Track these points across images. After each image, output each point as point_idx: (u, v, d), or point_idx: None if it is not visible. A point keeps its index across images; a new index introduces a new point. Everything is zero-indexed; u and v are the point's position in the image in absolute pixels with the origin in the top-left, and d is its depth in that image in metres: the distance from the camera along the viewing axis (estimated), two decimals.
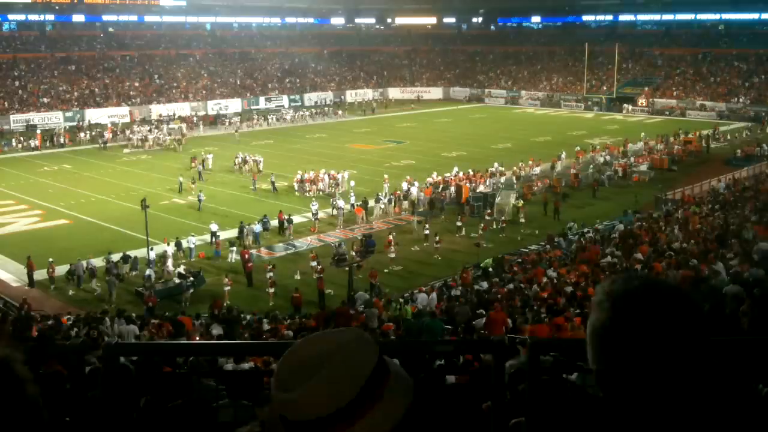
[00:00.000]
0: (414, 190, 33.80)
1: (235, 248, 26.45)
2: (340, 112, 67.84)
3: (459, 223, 29.38)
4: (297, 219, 29.82)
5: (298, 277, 23.87)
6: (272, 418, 1.26)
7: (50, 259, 23.75)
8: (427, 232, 28.10)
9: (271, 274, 22.97)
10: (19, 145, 49.76)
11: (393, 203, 32.84)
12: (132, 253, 25.16)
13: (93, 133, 53.65)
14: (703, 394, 1.12)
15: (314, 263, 23.74)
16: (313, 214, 29.88)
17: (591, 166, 39.90)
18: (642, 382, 1.12)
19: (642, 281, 1.18)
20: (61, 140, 51.54)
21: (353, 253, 24.74)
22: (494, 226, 29.84)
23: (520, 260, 24.29)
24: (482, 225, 28.74)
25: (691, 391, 1.12)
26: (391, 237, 26.37)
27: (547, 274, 19.86)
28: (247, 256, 24.50)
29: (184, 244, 26.45)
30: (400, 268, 25.23)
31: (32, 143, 49.88)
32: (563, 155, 41.43)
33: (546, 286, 18.19)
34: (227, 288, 22.61)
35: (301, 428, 1.21)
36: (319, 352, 1.23)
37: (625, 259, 20.28)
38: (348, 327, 1.33)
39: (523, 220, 30.40)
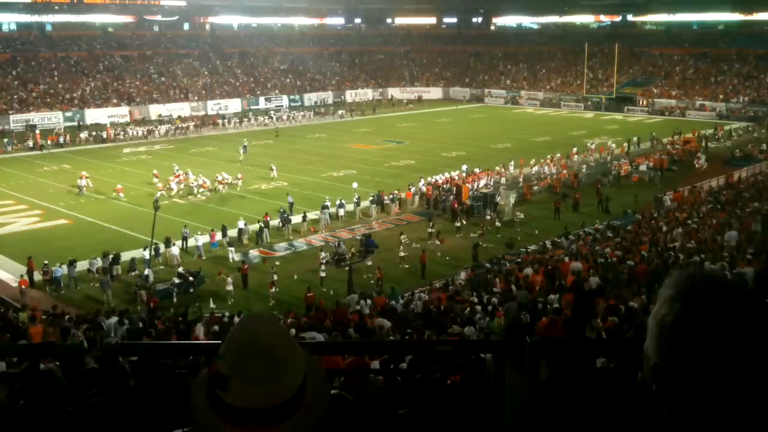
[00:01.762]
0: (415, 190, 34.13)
1: (233, 248, 26.45)
2: (341, 111, 67.75)
3: (458, 224, 29.45)
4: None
5: (296, 277, 23.90)
6: (200, 396, 1.27)
7: (45, 261, 23.74)
8: (431, 230, 28.17)
9: (275, 275, 22.99)
10: (20, 145, 49.87)
11: (394, 203, 32.91)
12: (129, 254, 25.18)
13: (94, 134, 53.76)
14: (763, 396, 1.10)
15: (322, 261, 23.84)
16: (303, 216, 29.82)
17: (584, 167, 39.91)
18: (706, 380, 1.11)
19: (718, 283, 1.17)
20: (61, 140, 51.52)
21: (353, 251, 24.81)
22: (493, 226, 29.88)
23: (519, 260, 24.29)
24: (480, 228, 28.86)
25: (753, 392, 1.10)
26: (402, 237, 26.48)
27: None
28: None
29: (192, 242, 26.49)
30: (407, 266, 25.22)
31: (30, 143, 49.97)
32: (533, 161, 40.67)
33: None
34: (229, 288, 22.60)
35: (239, 415, 1.21)
36: (269, 338, 1.25)
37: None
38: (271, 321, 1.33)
39: (519, 218, 30.47)
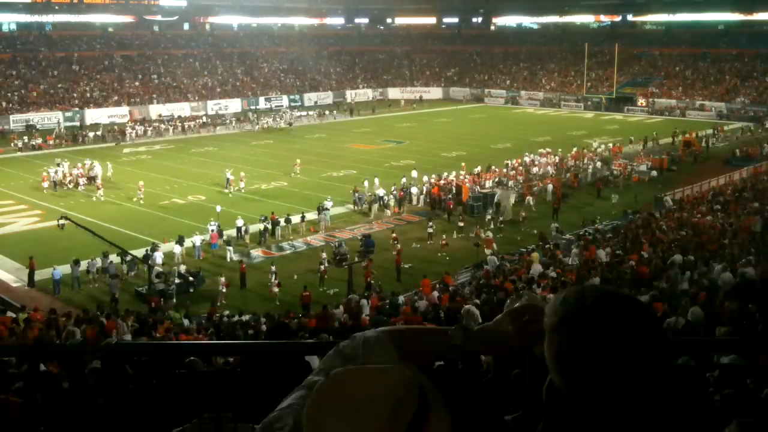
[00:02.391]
0: (414, 190, 34.02)
1: (231, 247, 26.44)
2: (334, 112, 67.80)
3: (461, 224, 29.44)
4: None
5: (296, 277, 23.89)
6: None
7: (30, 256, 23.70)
8: (431, 230, 28.20)
9: (274, 276, 23.00)
10: (20, 143, 49.97)
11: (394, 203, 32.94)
12: (132, 253, 25.14)
13: (97, 133, 53.91)
14: (665, 405, 1.10)
15: (322, 260, 23.88)
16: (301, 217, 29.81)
17: (590, 167, 39.93)
18: (608, 401, 1.09)
19: (594, 297, 1.14)
20: (51, 142, 51.52)
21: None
22: (492, 226, 29.89)
23: (517, 260, 24.32)
24: (476, 228, 28.99)
25: (655, 404, 1.09)
26: (394, 234, 26.70)
27: (547, 274, 19.92)
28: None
29: (197, 242, 26.60)
30: (409, 266, 25.24)
31: (34, 142, 50.05)
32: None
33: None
34: (223, 289, 22.59)
35: None
36: (360, 399, 1.10)
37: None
38: (388, 365, 1.18)
39: (522, 218, 30.49)
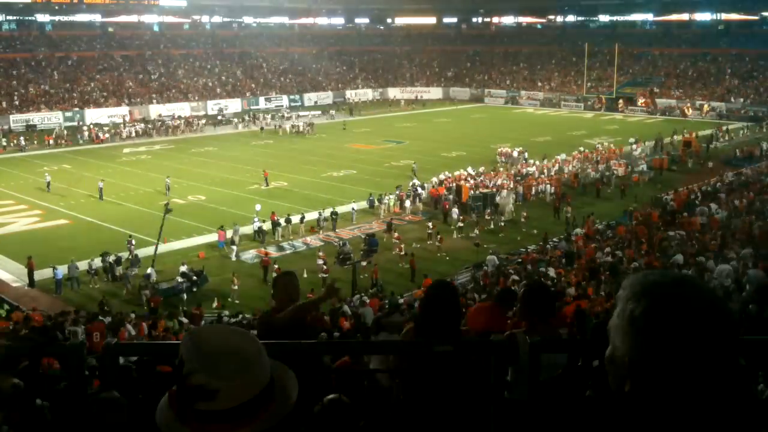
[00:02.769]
0: (422, 191, 34.20)
1: (235, 247, 26.45)
2: (332, 111, 67.89)
3: (461, 224, 29.45)
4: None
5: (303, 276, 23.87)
6: (169, 417, 1.29)
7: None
8: (430, 231, 28.22)
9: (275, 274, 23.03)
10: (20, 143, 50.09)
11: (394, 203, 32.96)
12: (125, 254, 25.18)
13: (96, 133, 54.01)
14: (725, 392, 1.14)
15: (321, 261, 23.86)
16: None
17: (589, 167, 39.97)
18: (674, 374, 1.14)
19: (680, 276, 1.21)
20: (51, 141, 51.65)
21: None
22: (492, 226, 29.92)
23: (519, 260, 24.29)
24: (478, 226, 28.97)
25: (717, 387, 1.14)
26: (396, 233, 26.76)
27: (547, 273, 19.91)
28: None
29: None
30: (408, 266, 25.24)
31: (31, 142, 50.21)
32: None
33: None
34: (235, 287, 22.62)
35: (202, 416, 1.24)
36: (241, 342, 1.29)
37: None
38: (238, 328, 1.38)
39: (523, 220, 30.47)
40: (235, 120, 61.73)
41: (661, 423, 1.16)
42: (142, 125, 56.45)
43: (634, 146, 44.66)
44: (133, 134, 54.44)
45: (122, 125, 56.95)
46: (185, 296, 22.50)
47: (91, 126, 56.48)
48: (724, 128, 53.59)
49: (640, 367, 1.17)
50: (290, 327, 4.42)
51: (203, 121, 60.44)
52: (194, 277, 23.27)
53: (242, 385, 1.25)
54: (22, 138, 50.69)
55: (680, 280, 1.20)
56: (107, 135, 54.01)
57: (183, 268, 23.68)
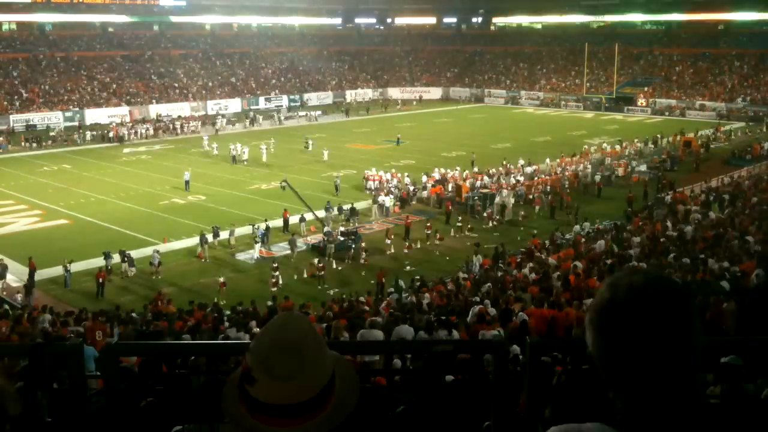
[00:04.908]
0: (426, 193, 34.19)
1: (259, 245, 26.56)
2: (319, 112, 67.97)
3: (459, 224, 29.48)
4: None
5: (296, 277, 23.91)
6: (232, 388, 1.31)
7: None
8: (428, 232, 28.23)
9: (277, 273, 23.02)
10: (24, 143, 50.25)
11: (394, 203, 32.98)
12: (131, 253, 25.16)
13: (95, 133, 54.02)
14: (689, 386, 1.17)
15: (316, 260, 23.96)
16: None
17: (589, 166, 40.04)
18: (635, 367, 1.17)
19: (645, 274, 1.23)
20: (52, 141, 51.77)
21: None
22: (489, 225, 29.95)
23: (519, 259, 24.29)
24: (469, 225, 29.35)
25: (680, 381, 1.17)
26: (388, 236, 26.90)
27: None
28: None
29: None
30: (408, 265, 25.23)
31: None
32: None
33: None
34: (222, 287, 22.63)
35: (265, 409, 1.26)
36: (296, 337, 1.29)
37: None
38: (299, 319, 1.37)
39: (521, 218, 30.56)
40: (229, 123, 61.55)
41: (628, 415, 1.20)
42: (147, 126, 56.51)
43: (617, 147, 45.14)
44: (139, 135, 54.61)
45: (127, 126, 57.02)
46: (352, 250, 26.09)
47: (114, 124, 56.97)
48: (724, 128, 53.62)
49: (603, 360, 1.21)
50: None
51: (198, 123, 60.19)
52: (352, 236, 27.02)
53: (303, 383, 1.26)
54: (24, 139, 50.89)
55: (650, 279, 1.22)
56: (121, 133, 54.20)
57: (341, 229, 27.94)
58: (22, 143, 50.43)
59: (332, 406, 1.30)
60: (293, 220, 29.36)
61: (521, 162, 39.71)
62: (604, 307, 1.21)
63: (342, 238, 27.03)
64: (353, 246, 26.41)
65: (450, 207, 31.49)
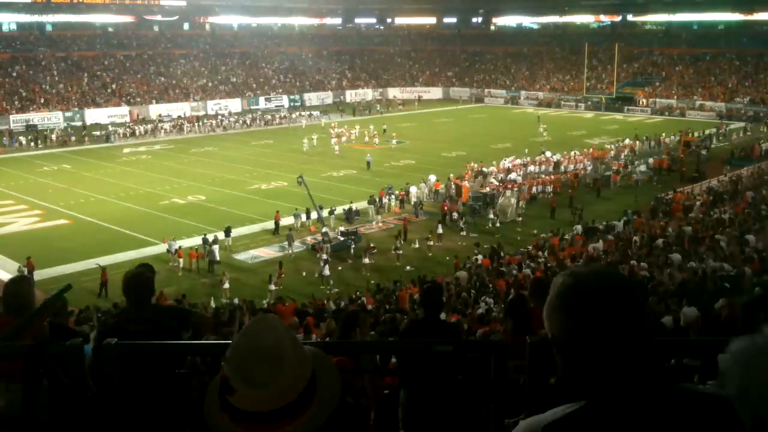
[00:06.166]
0: (414, 190, 34.03)
1: (217, 246, 26.42)
2: (316, 111, 68.13)
3: (461, 224, 29.49)
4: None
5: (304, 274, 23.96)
6: (213, 396, 1.30)
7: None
8: (430, 234, 28.24)
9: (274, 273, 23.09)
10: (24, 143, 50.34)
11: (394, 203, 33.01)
12: (131, 253, 25.19)
13: (100, 133, 54.11)
14: (635, 375, 1.31)
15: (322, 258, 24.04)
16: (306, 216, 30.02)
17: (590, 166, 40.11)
18: (605, 341, 1.31)
19: (601, 266, 1.37)
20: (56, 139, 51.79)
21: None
22: (490, 225, 29.96)
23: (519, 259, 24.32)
24: (464, 219, 29.62)
25: (641, 350, 1.31)
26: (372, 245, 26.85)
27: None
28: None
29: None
30: (408, 266, 25.23)
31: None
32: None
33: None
34: (225, 286, 22.65)
35: (246, 417, 1.26)
36: (271, 342, 1.28)
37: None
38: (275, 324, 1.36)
39: (520, 219, 30.61)
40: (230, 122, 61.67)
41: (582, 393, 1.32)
42: (146, 126, 56.64)
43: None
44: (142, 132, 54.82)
45: (126, 126, 57.10)
46: (352, 249, 26.36)
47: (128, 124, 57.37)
48: (723, 129, 53.62)
49: (558, 344, 1.36)
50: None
51: (200, 123, 60.27)
52: (352, 236, 27.13)
53: (280, 389, 1.26)
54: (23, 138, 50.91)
55: (600, 269, 1.39)
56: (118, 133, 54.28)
57: (341, 229, 28.16)
58: (23, 143, 50.50)
59: (314, 406, 1.30)
60: (302, 218, 29.64)
61: (548, 153, 41.55)
62: (571, 292, 1.35)
63: (342, 238, 27.07)
64: (352, 245, 26.46)
65: (446, 208, 31.24)
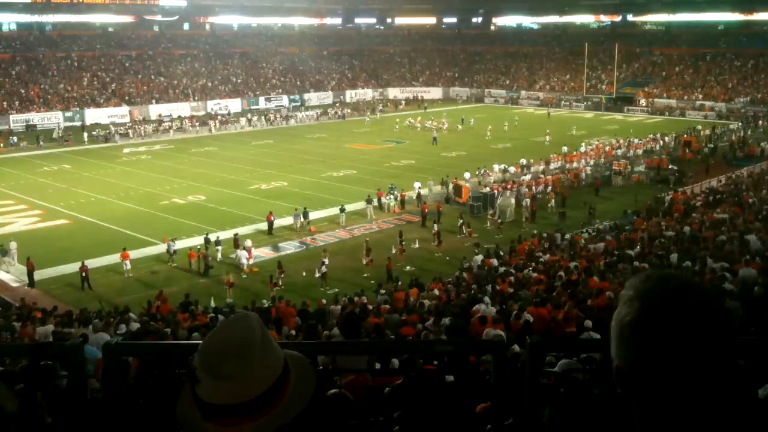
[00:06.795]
0: (417, 186, 34.12)
1: (220, 247, 26.46)
2: (312, 113, 68.16)
3: (461, 224, 29.46)
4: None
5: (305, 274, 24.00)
6: (187, 389, 1.32)
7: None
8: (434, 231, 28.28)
9: (276, 274, 23.10)
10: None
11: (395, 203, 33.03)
12: (131, 253, 25.16)
13: (97, 133, 54.10)
14: (722, 401, 1.09)
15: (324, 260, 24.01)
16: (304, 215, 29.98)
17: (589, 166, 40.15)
18: (664, 384, 1.09)
19: (677, 282, 1.14)
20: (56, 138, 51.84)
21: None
22: (490, 226, 29.96)
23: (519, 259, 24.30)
24: (461, 220, 29.42)
25: (712, 396, 1.08)
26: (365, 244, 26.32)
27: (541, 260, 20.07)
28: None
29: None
30: (409, 267, 25.27)
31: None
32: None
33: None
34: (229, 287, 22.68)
35: (217, 411, 1.27)
36: (241, 336, 1.29)
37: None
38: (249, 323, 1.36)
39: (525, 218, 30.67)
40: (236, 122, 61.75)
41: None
42: (147, 126, 56.73)
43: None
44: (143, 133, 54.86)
45: (127, 126, 57.19)
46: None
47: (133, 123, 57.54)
48: (722, 128, 53.61)
49: (627, 376, 1.13)
50: None
51: (198, 123, 60.38)
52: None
53: (246, 383, 1.27)
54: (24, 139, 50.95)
55: (682, 289, 1.12)
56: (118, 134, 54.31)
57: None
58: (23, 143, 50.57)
59: (284, 402, 1.31)
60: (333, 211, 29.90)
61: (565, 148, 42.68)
62: (637, 321, 1.11)
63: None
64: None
65: (426, 210, 30.82)
